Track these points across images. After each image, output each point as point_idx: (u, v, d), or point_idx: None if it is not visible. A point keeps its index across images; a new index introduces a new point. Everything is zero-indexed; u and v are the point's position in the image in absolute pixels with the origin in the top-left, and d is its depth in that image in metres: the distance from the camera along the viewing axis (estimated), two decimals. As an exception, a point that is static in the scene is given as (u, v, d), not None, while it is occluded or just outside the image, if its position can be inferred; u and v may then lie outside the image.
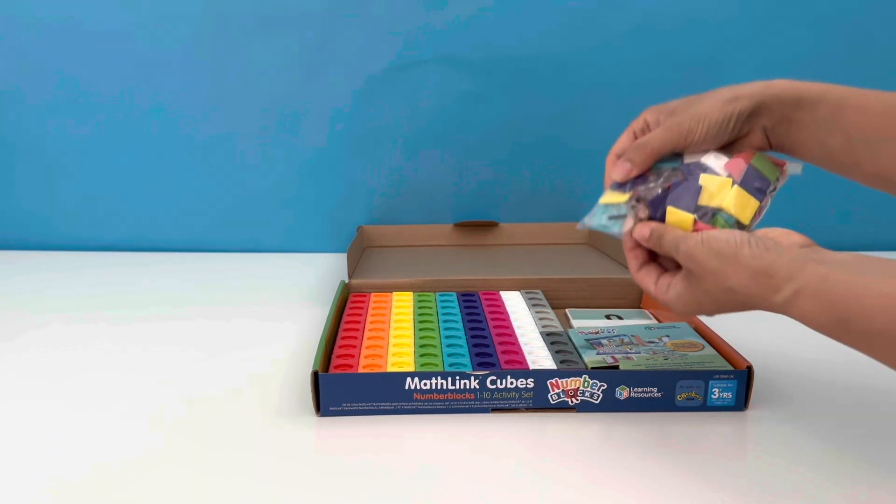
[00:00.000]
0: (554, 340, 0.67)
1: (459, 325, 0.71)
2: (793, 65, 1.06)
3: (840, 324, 0.41)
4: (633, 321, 0.76)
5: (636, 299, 0.85)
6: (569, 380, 0.58)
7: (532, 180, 1.12)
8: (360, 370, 0.60)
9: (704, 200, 0.51)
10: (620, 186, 0.54)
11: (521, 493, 0.48)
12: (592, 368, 0.60)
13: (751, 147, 0.53)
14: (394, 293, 0.81)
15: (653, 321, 0.77)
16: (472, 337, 0.67)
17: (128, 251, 1.12)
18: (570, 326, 0.76)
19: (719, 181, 0.51)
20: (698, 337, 0.67)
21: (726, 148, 0.53)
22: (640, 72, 1.07)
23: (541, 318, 0.73)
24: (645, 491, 0.48)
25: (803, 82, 0.52)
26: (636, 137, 0.55)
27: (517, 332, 0.69)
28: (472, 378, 0.57)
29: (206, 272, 1.03)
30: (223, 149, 1.10)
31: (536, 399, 0.58)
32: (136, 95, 1.08)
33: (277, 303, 0.88)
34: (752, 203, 0.51)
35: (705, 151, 0.53)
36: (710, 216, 0.51)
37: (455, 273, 0.87)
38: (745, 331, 0.71)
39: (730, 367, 0.60)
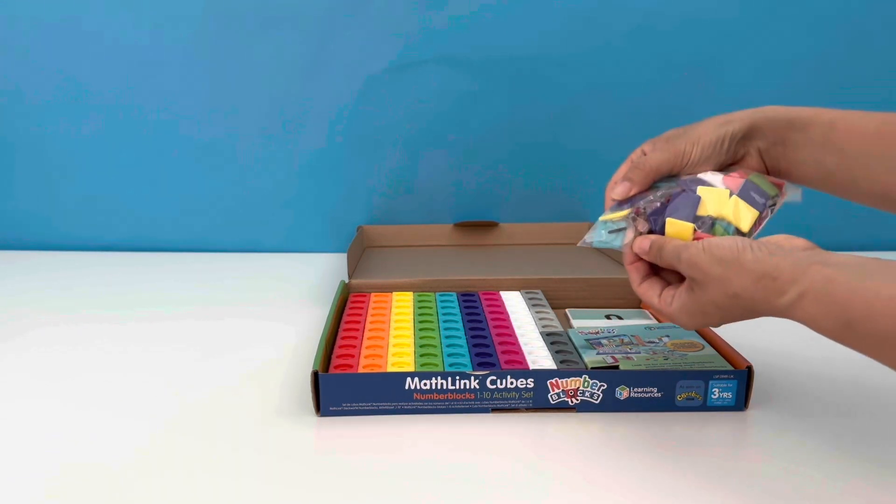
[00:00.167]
0: (554, 340, 0.67)
1: (459, 325, 0.71)
2: (793, 65, 1.06)
3: (846, 327, 0.41)
4: (633, 321, 0.76)
5: (636, 299, 0.85)
6: (569, 380, 0.58)
7: (532, 180, 1.12)
8: (360, 370, 0.60)
9: (703, 211, 0.51)
10: (620, 205, 0.55)
11: (521, 493, 0.48)
12: (592, 368, 0.60)
13: (748, 168, 0.54)
14: (394, 293, 0.81)
15: (653, 321, 0.77)
16: (472, 337, 0.67)
17: (128, 251, 1.12)
18: (570, 326, 0.76)
19: (718, 192, 0.52)
20: (698, 337, 0.67)
21: (723, 171, 0.54)
22: (640, 72, 1.07)
23: (541, 318, 0.73)
24: (645, 491, 0.48)
25: (793, 107, 0.53)
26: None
27: (517, 332, 0.69)
28: (472, 378, 0.57)
29: (206, 272, 1.03)
30: (223, 149, 1.10)
31: (536, 399, 0.58)
32: (136, 95, 1.08)
33: (277, 303, 0.88)
34: (752, 212, 0.51)
35: (702, 172, 0.54)
36: (708, 226, 0.51)
37: (455, 273, 0.87)
38: (745, 331, 0.71)
39: (730, 367, 0.60)
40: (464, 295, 0.81)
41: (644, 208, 0.53)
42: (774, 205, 0.52)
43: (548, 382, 0.58)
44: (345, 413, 0.58)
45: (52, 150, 1.11)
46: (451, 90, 1.07)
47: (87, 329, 0.79)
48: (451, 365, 0.61)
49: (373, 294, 0.81)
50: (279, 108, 1.09)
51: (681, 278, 0.52)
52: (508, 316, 0.74)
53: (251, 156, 1.11)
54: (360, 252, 1.02)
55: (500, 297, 0.80)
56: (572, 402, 0.58)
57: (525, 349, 0.64)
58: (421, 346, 0.65)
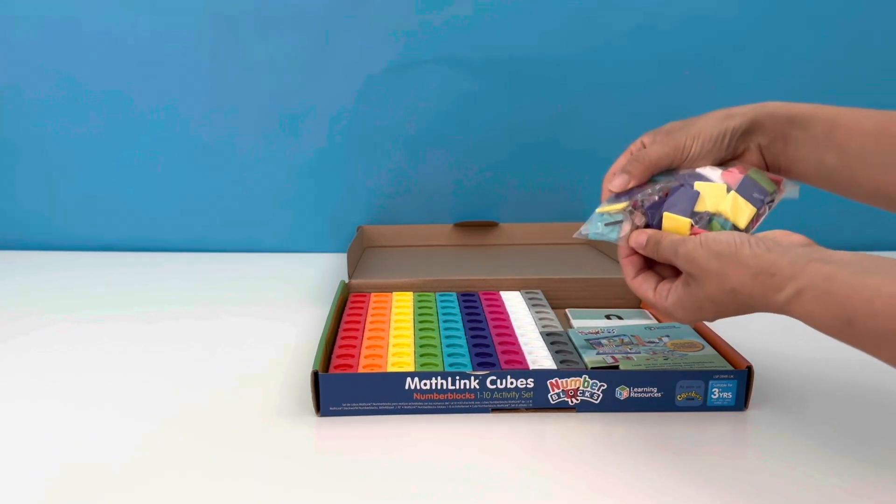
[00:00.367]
0: (554, 340, 0.67)
1: (459, 325, 0.71)
2: (793, 65, 1.06)
3: (845, 324, 0.41)
4: (633, 321, 0.76)
5: (636, 299, 0.85)
6: (569, 380, 0.58)
7: (532, 180, 1.12)
8: (360, 370, 0.60)
9: (701, 206, 0.51)
10: (617, 198, 0.54)
11: (521, 493, 0.48)
12: (592, 368, 0.60)
13: (747, 164, 0.54)
14: (394, 293, 0.81)
15: (653, 321, 0.77)
16: (472, 337, 0.67)
17: (128, 251, 1.12)
18: (570, 326, 0.76)
19: (716, 188, 0.52)
20: (698, 337, 0.67)
21: (722, 166, 0.54)
22: (640, 72, 1.07)
23: (541, 318, 0.73)
24: (645, 491, 0.48)
25: (794, 103, 0.53)
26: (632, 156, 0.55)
27: (517, 332, 0.69)
28: (472, 378, 0.57)
29: (206, 272, 1.03)
30: (223, 149, 1.10)
31: (536, 399, 0.58)
32: (136, 95, 1.08)
33: (277, 303, 0.88)
34: (749, 209, 0.51)
35: (701, 167, 0.54)
36: (706, 221, 0.51)
37: (455, 273, 0.87)
38: (745, 331, 0.71)
39: (730, 367, 0.60)
40: (464, 295, 0.81)
41: (642, 202, 0.53)
42: (772, 201, 0.52)
43: (548, 382, 0.58)
44: (345, 413, 0.58)
45: (52, 150, 1.11)
46: (451, 90, 1.07)
47: (87, 329, 0.79)
48: (451, 365, 0.61)
49: (373, 294, 0.81)
50: (279, 108, 1.09)
51: (675, 273, 0.52)
52: (508, 316, 0.74)
53: (251, 156, 1.11)
54: (360, 252, 1.02)
55: (500, 297, 0.80)
56: (572, 402, 0.58)
57: (525, 349, 0.64)
58: (421, 346, 0.65)
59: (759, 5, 1.05)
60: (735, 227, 0.51)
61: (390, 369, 0.60)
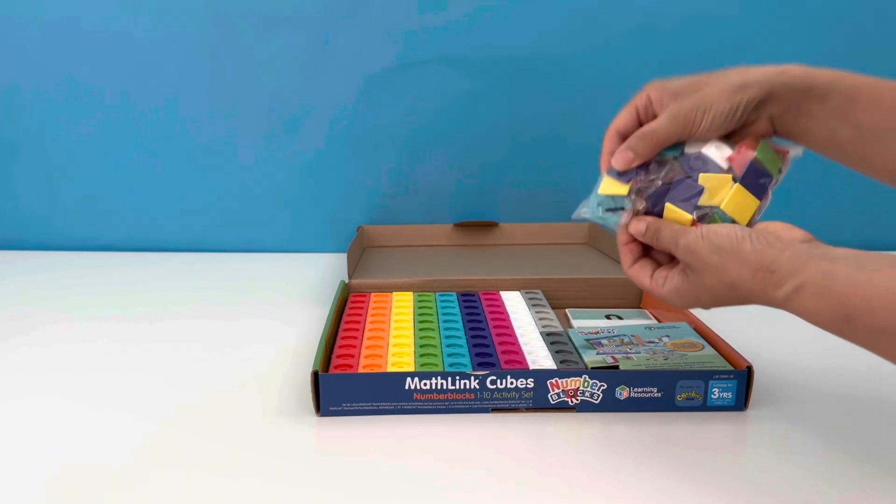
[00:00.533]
0: (554, 340, 0.66)
1: (459, 325, 0.71)
2: (793, 65, 1.06)
3: (844, 320, 0.41)
4: (633, 321, 0.76)
5: (636, 299, 0.85)
6: (569, 380, 0.58)
7: (532, 180, 1.12)
8: (360, 370, 0.60)
9: (704, 200, 0.51)
10: (620, 175, 0.53)
11: (521, 493, 0.48)
12: (592, 368, 0.60)
13: (755, 135, 0.52)
14: (394, 293, 0.81)
15: (653, 321, 0.77)
16: (472, 337, 0.67)
17: (128, 251, 1.12)
18: (570, 326, 0.76)
19: (720, 179, 0.50)
20: (698, 337, 0.67)
21: (730, 135, 0.52)
22: (640, 72, 1.06)
23: (541, 318, 0.73)
24: (645, 491, 0.48)
25: (816, 69, 0.50)
26: (638, 113, 0.53)
27: (517, 332, 0.69)
28: (472, 378, 0.57)
29: (206, 272, 1.03)
30: (223, 149, 1.10)
31: (536, 399, 0.58)
32: (136, 95, 1.08)
33: (277, 303, 0.88)
34: (752, 202, 0.51)
35: (708, 140, 0.51)
36: (708, 216, 0.51)
37: (455, 273, 0.87)
38: (745, 331, 0.71)
39: (730, 367, 0.60)
40: (464, 295, 0.81)
41: (644, 189, 0.52)
42: (777, 182, 0.51)
43: (548, 382, 0.58)
44: (345, 413, 0.58)
45: (52, 150, 1.11)
46: (451, 90, 1.07)
47: (87, 329, 0.79)
48: (451, 365, 0.61)
49: (373, 294, 0.81)
50: (279, 108, 1.09)
51: (672, 258, 0.52)
52: (508, 316, 0.74)
53: (251, 156, 1.11)
54: (360, 252, 1.02)
55: (500, 297, 0.80)
56: (572, 402, 0.58)
57: (525, 349, 0.64)
58: (421, 346, 0.65)
59: (759, 5, 1.05)
60: (736, 223, 0.50)
61: (390, 369, 0.60)
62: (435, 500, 0.47)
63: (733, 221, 0.50)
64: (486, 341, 0.66)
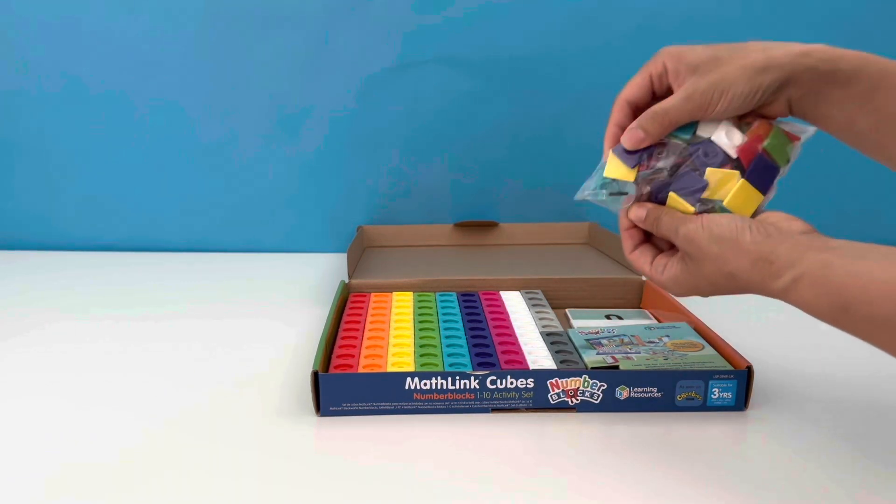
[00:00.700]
0: (554, 340, 0.66)
1: (459, 325, 0.71)
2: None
3: (841, 311, 0.40)
4: (633, 321, 0.76)
5: (636, 299, 0.85)
6: (569, 380, 0.58)
7: (532, 180, 1.12)
8: (360, 370, 0.60)
9: (708, 194, 0.50)
10: (626, 155, 0.51)
11: (521, 493, 0.48)
12: (592, 368, 0.60)
13: (769, 118, 0.51)
14: (394, 293, 0.81)
15: (653, 321, 0.77)
16: (472, 337, 0.67)
17: (128, 251, 1.12)
18: (570, 326, 0.76)
19: (725, 174, 0.50)
20: (698, 337, 0.67)
21: (741, 124, 0.51)
22: (640, 72, 1.07)
23: (541, 318, 0.73)
24: (645, 491, 0.48)
25: (842, 51, 0.48)
26: (651, 82, 0.51)
27: (517, 332, 0.69)
28: (472, 378, 0.57)
29: (206, 272, 1.03)
30: (223, 149, 1.10)
31: (536, 399, 0.58)
32: (137, 95, 1.08)
33: (277, 303, 0.88)
34: (756, 198, 0.50)
35: (720, 122, 0.50)
36: (711, 210, 0.50)
37: (455, 273, 0.87)
38: (745, 331, 0.71)
39: (730, 367, 0.60)
40: (464, 295, 0.81)
41: (649, 177, 0.51)
42: (784, 173, 0.51)
43: (548, 382, 0.58)
44: (345, 413, 0.58)
45: (52, 150, 1.11)
46: (451, 90, 1.07)
47: (87, 329, 0.79)
48: (451, 365, 0.61)
49: (373, 294, 0.81)
50: (279, 107, 1.09)
51: (673, 245, 0.52)
52: (508, 316, 0.74)
53: (251, 156, 1.11)
54: (360, 252, 1.02)
55: (500, 297, 0.80)
56: (572, 402, 0.58)
57: (525, 349, 0.64)
58: (421, 346, 0.65)
59: (759, 6, 1.04)
60: None
61: (390, 369, 0.60)
62: (435, 500, 0.47)
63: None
64: (486, 341, 0.66)
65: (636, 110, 0.52)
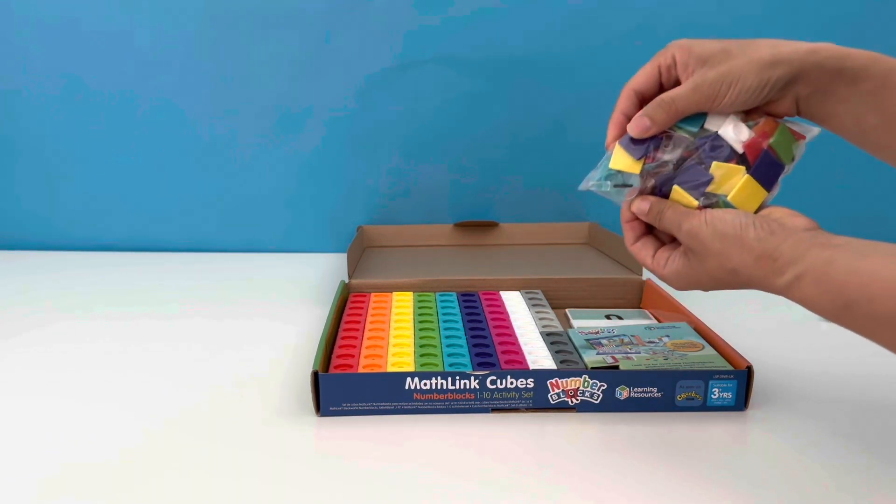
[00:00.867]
0: (554, 340, 0.66)
1: (459, 325, 0.71)
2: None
3: (843, 308, 0.40)
4: (633, 321, 0.76)
5: (636, 299, 0.85)
6: (569, 380, 0.58)
7: (532, 180, 1.12)
8: (360, 370, 0.60)
9: (713, 188, 0.50)
10: (632, 146, 0.51)
11: (521, 493, 0.48)
12: (592, 368, 0.60)
13: (775, 116, 0.51)
14: (394, 293, 0.81)
15: (653, 321, 0.77)
16: (472, 337, 0.67)
17: (128, 251, 1.12)
18: (570, 326, 0.76)
19: (731, 169, 0.50)
20: (698, 337, 0.67)
21: (750, 110, 0.51)
22: (640, 72, 1.07)
23: (541, 318, 0.73)
24: (645, 491, 0.48)
25: (851, 49, 0.48)
26: (660, 73, 0.51)
27: (517, 332, 0.69)
28: (472, 378, 0.57)
29: (205, 272, 1.03)
30: (223, 149, 1.10)
31: (536, 399, 0.58)
32: (136, 95, 1.08)
33: (277, 303, 0.88)
34: (760, 194, 0.50)
35: (728, 115, 0.50)
36: (715, 204, 0.50)
37: (455, 273, 0.87)
38: (745, 331, 0.71)
39: (730, 367, 0.60)
40: (464, 295, 0.81)
41: (654, 170, 0.51)
42: (788, 171, 0.51)
43: (548, 382, 0.58)
44: (345, 413, 0.58)
45: (53, 150, 1.11)
46: (451, 90, 1.07)
47: (87, 328, 0.79)
48: (451, 365, 0.61)
49: (373, 294, 0.81)
50: (279, 107, 1.09)
51: (675, 238, 0.52)
52: (508, 316, 0.74)
53: (251, 155, 1.11)
54: (360, 252, 1.02)
55: (500, 297, 0.80)
56: (572, 402, 0.58)
57: (525, 349, 0.64)
58: (421, 346, 0.65)
59: (759, 7, 1.04)
60: None
61: (390, 369, 0.60)
62: (435, 500, 0.47)
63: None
64: (486, 341, 0.66)
65: (643, 100, 0.52)
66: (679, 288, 0.51)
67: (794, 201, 0.53)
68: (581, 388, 0.58)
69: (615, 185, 0.53)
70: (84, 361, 0.70)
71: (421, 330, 0.69)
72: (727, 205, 0.50)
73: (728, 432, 0.57)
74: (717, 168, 0.50)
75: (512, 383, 0.58)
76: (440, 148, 1.10)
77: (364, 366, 0.61)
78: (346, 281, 0.84)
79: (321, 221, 1.13)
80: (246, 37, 1.06)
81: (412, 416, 0.58)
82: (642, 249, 0.53)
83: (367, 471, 0.50)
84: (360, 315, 0.74)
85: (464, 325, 0.71)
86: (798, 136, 0.51)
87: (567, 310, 0.81)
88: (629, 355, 0.62)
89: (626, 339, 0.67)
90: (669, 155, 0.51)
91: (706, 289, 0.50)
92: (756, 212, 0.50)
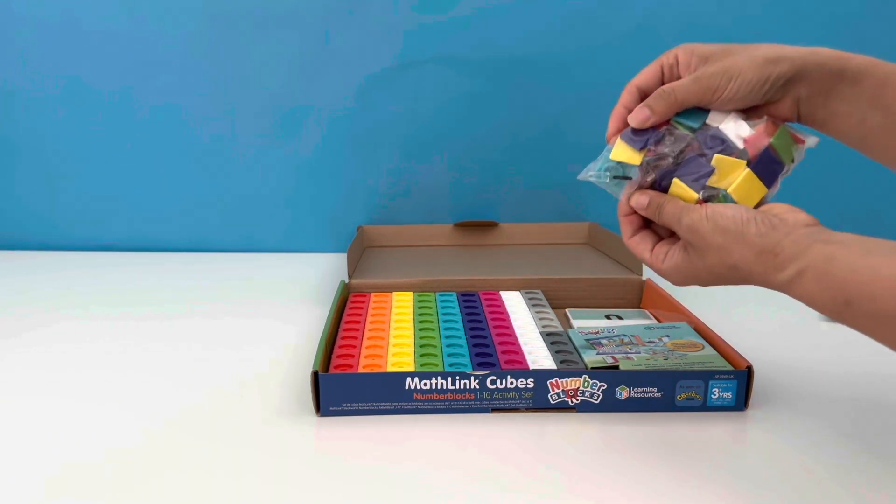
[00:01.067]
0: (554, 340, 0.66)
1: (459, 325, 0.71)
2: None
3: (844, 305, 0.40)
4: (633, 321, 0.76)
5: (636, 299, 0.85)
6: (569, 380, 0.58)
7: (532, 180, 1.12)
8: (360, 370, 0.60)
9: (714, 181, 0.50)
10: (634, 136, 0.51)
11: (521, 493, 0.48)
12: (592, 368, 0.60)
13: (776, 118, 0.51)
14: (394, 293, 0.81)
15: (653, 321, 0.77)
16: (472, 337, 0.67)
17: (128, 251, 1.12)
18: (570, 326, 0.76)
19: (732, 163, 0.50)
20: (698, 337, 0.67)
21: (751, 111, 0.51)
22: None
23: (541, 318, 0.73)
24: (645, 491, 0.48)
25: (849, 53, 0.49)
26: (662, 72, 0.52)
27: (517, 332, 0.69)
28: (472, 378, 0.57)
29: (206, 272, 1.03)
30: (223, 149, 1.10)
31: (536, 399, 0.58)
32: (136, 95, 1.08)
33: (277, 303, 0.88)
34: (761, 189, 0.50)
35: (729, 112, 0.50)
36: (715, 198, 0.50)
37: (455, 273, 0.87)
38: (745, 331, 0.71)
39: (730, 367, 0.60)
40: (464, 295, 0.81)
41: (655, 163, 0.51)
42: (788, 172, 0.51)
43: (548, 382, 0.58)
44: (345, 413, 0.58)
45: (53, 150, 1.11)
46: (451, 90, 1.07)
47: (87, 328, 0.79)
48: (451, 365, 0.61)
49: (373, 294, 0.81)
50: (279, 107, 1.09)
51: (673, 233, 0.51)
52: (508, 316, 0.74)
53: (251, 155, 1.11)
54: (360, 252, 1.02)
55: (500, 297, 0.80)
56: (572, 402, 0.58)
57: (525, 349, 0.64)
58: (421, 346, 0.65)
59: (758, 7, 1.04)
60: None
61: (390, 369, 0.60)
62: (435, 500, 0.47)
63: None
64: (486, 341, 0.66)
65: (644, 96, 0.52)
66: (677, 283, 0.51)
67: (791, 198, 0.53)
68: (581, 388, 0.58)
69: (614, 177, 0.53)
70: (84, 361, 0.70)
71: (421, 330, 0.69)
72: (727, 198, 0.50)
73: (728, 432, 0.57)
74: (719, 161, 0.50)
75: (512, 383, 0.58)
76: (440, 148, 1.10)
77: (364, 366, 0.61)
78: (346, 281, 0.84)
79: (321, 221, 1.13)
80: (246, 37, 1.06)
81: (412, 416, 0.58)
82: (640, 244, 0.53)
83: (367, 471, 0.50)
84: (360, 315, 0.74)
85: (464, 325, 0.71)
86: (798, 140, 0.51)
87: (567, 310, 0.81)
88: (629, 355, 0.62)
89: (626, 339, 0.67)
90: (670, 149, 0.51)
91: (705, 284, 0.49)
92: (756, 208, 0.50)
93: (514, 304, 0.78)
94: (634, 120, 0.51)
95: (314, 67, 1.07)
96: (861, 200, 1.09)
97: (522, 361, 0.62)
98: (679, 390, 0.58)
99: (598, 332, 0.68)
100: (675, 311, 0.75)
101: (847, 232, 0.43)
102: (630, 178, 0.52)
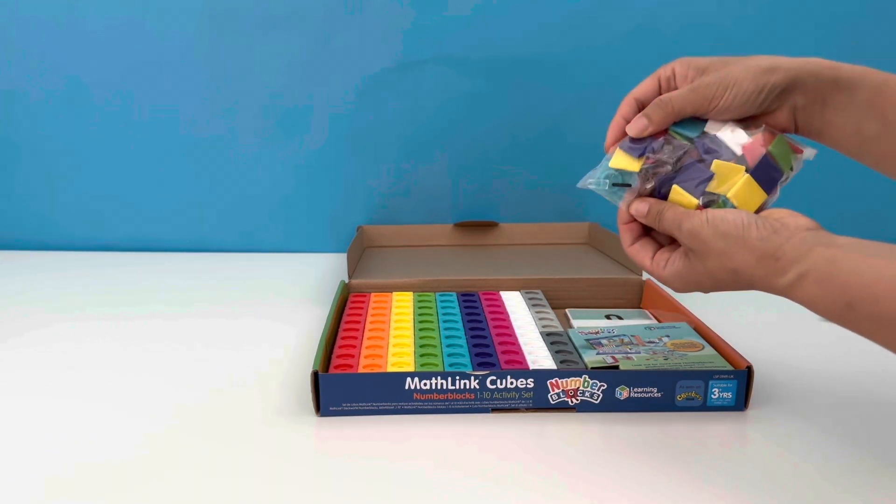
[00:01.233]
0: (554, 340, 0.66)
1: (459, 325, 0.71)
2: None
3: (846, 308, 0.40)
4: (633, 321, 0.76)
5: (636, 299, 0.85)
6: (569, 380, 0.58)
7: (532, 180, 1.12)
8: (360, 370, 0.60)
9: (713, 187, 0.50)
10: (632, 145, 0.52)
11: (521, 493, 0.48)
12: (592, 368, 0.60)
13: (773, 127, 0.51)
14: (394, 293, 0.81)
15: (653, 321, 0.77)
16: (472, 337, 0.67)
17: (128, 251, 1.12)
18: (570, 326, 0.76)
19: (731, 168, 0.50)
20: (698, 337, 0.67)
21: (748, 121, 0.51)
22: (639, 72, 1.06)
23: (541, 318, 0.73)
24: (645, 491, 0.48)
25: (842, 64, 0.49)
26: (660, 85, 0.53)
27: (517, 332, 0.69)
28: (472, 378, 0.57)
29: (205, 272, 1.03)
30: (223, 149, 1.10)
31: (536, 399, 0.58)
32: (136, 95, 1.08)
33: (277, 303, 0.88)
34: (760, 195, 0.50)
35: (726, 122, 0.51)
36: (714, 203, 0.50)
37: (455, 273, 0.87)
38: (745, 331, 0.71)
39: (730, 367, 0.60)
40: (464, 295, 0.81)
41: (654, 171, 0.51)
42: (787, 180, 0.51)
43: (548, 382, 0.58)
44: (345, 413, 0.58)
45: (53, 150, 1.11)
46: (451, 90, 1.07)
47: (87, 329, 0.79)
48: (451, 365, 0.61)
49: (373, 294, 0.81)
50: (279, 107, 1.09)
51: (673, 239, 0.52)
52: (508, 316, 0.74)
53: (251, 155, 1.11)
54: (360, 252, 1.02)
55: (500, 297, 0.80)
56: (572, 402, 0.58)
57: (525, 349, 0.64)
58: (421, 346, 0.65)
59: (758, 7, 1.04)
60: None
61: (390, 369, 0.60)
62: (435, 500, 0.47)
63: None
64: (486, 341, 0.66)
65: (642, 108, 0.53)
66: (679, 290, 0.51)
67: (791, 200, 0.53)
68: (581, 388, 0.58)
69: (614, 185, 0.53)
70: (84, 361, 0.70)
71: (421, 330, 0.69)
72: (727, 204, 0.50)
73: (728, 432, 0.57)
74: (718, 166, 0.50)
75: (512, 383, 0.58)
76: (440, 148, 1.10)
77: (364, 366, 0.61)
78: (346, 281, 0.84)
79: (321, 221, 1.14)
80: (246, 37, 1.06)
81: (412, 416, 0.58)
82: (640, 251, 0.53)
83: (367, 471, 0.50)
84: (360, 315, 0.74)
85: (464, 326, 0.71)
86: (796, 150, 0.52)
87: (567, 310, 0.81)
88: (629, 355, 0.62)
89: (626, 339, 0.67)
90: (668, 156, 0.51)
91: (707, 290, 0.50)
92: (756, 213, 0.50)
93: (514, 304, 0.78)
94: (633, 129, 0.52)
95: (314, 67, 1.07)
96: (861, 201, 1.09)
97: (522, 361, 0.62)
98: (679, 390, 0.58)
99: (598, 332, 0.68)
100: (675, 311, 0.75)
101: (844, 231, 0.43)
102: (629, 186, 0.52)
